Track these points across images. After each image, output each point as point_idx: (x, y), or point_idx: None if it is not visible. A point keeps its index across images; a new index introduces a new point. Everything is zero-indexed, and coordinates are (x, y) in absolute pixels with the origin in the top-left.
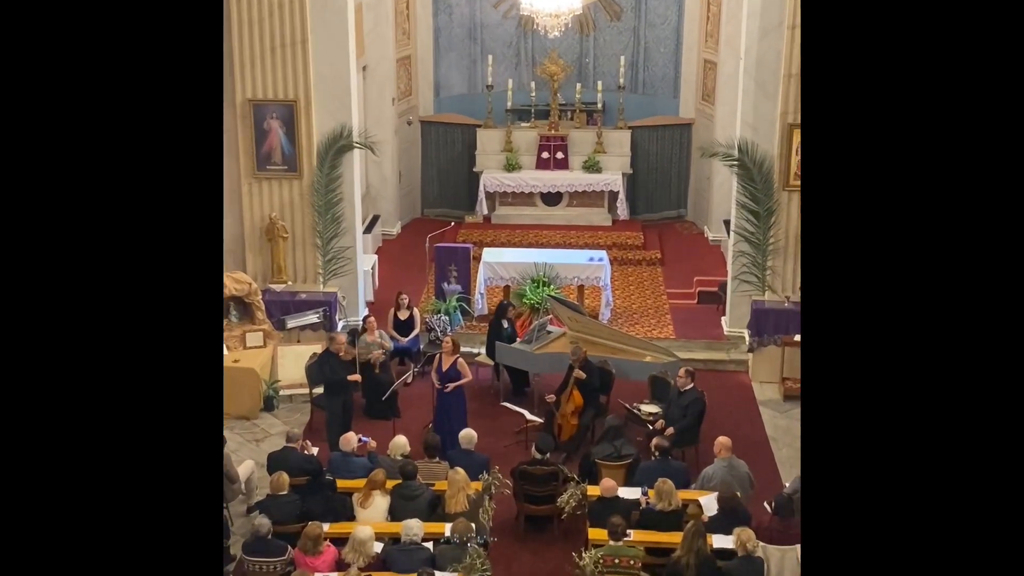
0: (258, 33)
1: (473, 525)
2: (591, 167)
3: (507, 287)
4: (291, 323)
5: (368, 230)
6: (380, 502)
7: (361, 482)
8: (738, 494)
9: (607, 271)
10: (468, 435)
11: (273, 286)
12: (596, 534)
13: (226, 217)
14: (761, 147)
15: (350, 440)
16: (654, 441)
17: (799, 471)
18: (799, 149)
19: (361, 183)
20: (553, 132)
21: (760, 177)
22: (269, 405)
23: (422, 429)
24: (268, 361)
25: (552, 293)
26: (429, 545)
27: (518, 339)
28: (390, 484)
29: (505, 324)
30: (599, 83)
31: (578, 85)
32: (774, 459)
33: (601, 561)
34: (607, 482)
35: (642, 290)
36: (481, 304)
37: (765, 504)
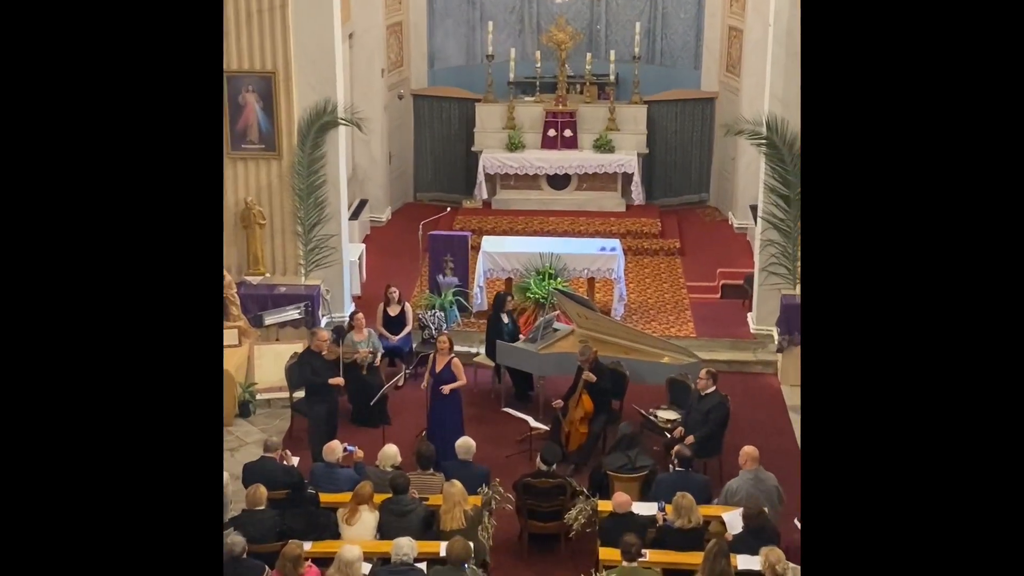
0: None
1: (471, 544)
2: (603, 146)
3: (509, 280)
4: (269, 319)
5: (354, 216)
6: (368, 518)
7: (347, 496)
8: (765, 510)
9: (620, 262)
10: (465, 444)
11: (249, 278)
12: (608, 554)
13: None
14: (792, 124)
15: (335, 449)
16: (673, 450)
17: None
18: None
19: (347, 164)
20: (560, 107)
21: (791, 158)
22: (245, 411)
23: (414, 437)
24: (244, 362)
25: (559, 286)
26: (422, 566)
27: (521, 337)
28: (379, 498)
29: (505, 319)
30: (612, 53)
31: (588, 55)
32: None
33: None
34: (620, 496)
35: (659, 283)
36: (480, 298)
37: (795, 521)
